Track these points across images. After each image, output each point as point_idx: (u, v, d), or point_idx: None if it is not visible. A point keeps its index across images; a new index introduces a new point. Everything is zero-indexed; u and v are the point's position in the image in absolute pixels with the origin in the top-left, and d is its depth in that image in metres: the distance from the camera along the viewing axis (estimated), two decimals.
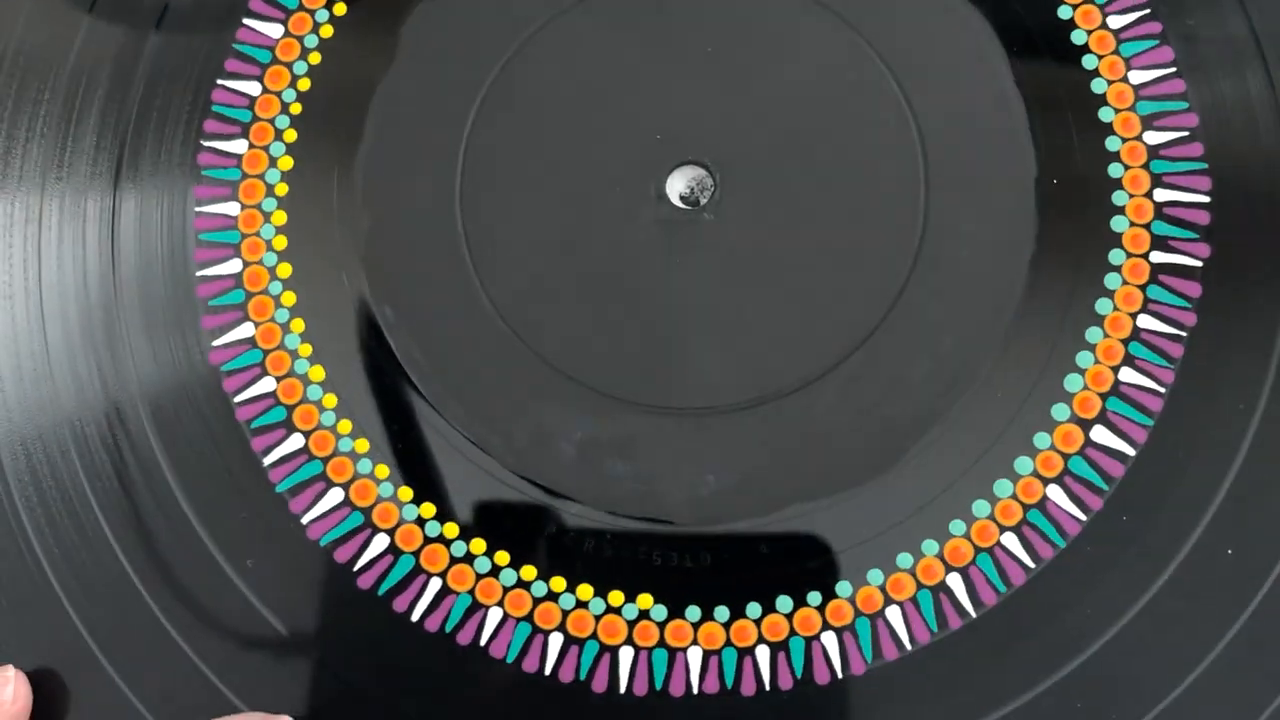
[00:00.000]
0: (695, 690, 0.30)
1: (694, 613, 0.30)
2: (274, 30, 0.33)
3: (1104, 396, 0.31)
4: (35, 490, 0.31)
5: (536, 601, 0.30)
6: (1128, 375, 0.31)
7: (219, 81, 0.33)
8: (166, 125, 0.33)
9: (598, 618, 0.30)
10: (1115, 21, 0.33)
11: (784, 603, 0.30)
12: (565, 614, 0.30)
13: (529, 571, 0.30)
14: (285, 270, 0.32)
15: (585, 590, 0.30)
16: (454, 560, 0.30)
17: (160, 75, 0.33)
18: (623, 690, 0.30)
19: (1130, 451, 0.31)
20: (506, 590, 0.30)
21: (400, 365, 0.31)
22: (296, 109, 0.33)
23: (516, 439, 0.31)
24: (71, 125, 0.32)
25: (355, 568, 0.30)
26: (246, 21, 0.33)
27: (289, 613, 0.30)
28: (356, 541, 0.30)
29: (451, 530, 0.30)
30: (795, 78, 0.32)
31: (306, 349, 0.31)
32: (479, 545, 0.30)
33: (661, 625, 0.30)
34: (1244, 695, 0.30)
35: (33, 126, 0.32)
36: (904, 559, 0.30)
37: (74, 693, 0.30)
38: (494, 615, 0.30)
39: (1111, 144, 0.32)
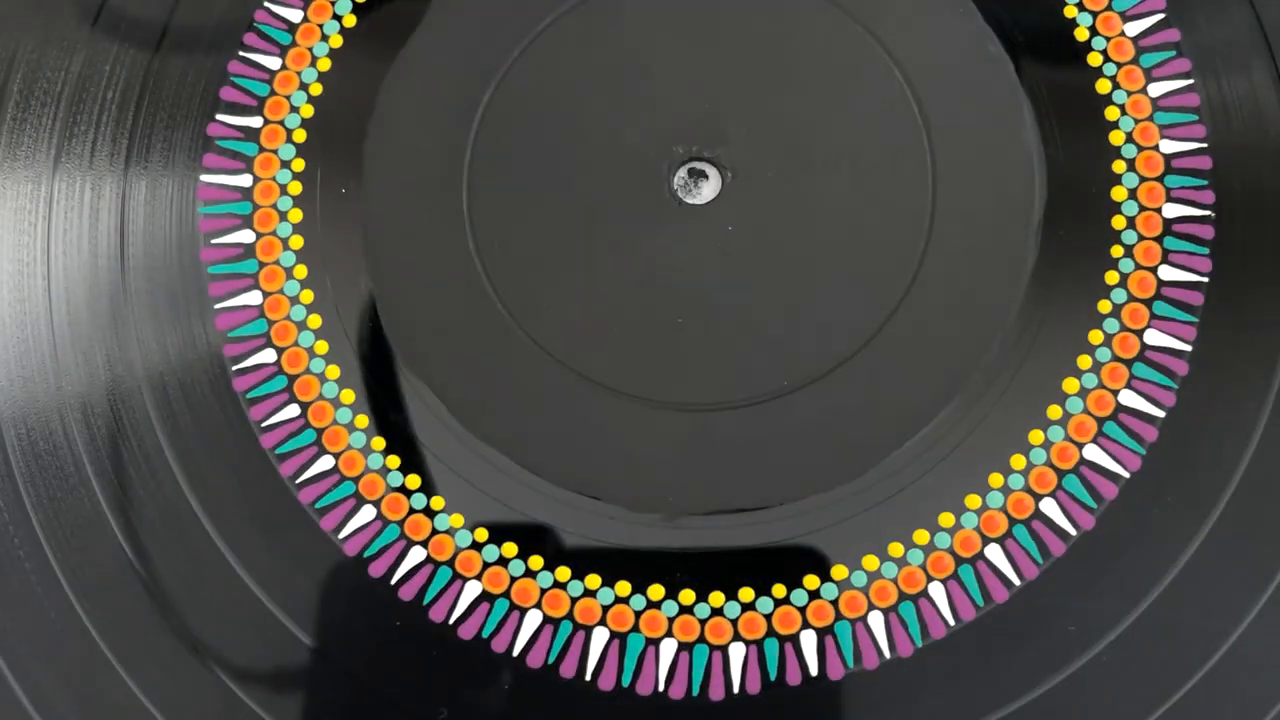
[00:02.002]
0: (662, 687, 0.30)
1: (670, 607, 0.30)
2: (293, 15, 0.34)
3: (1101, 420, 0.30)
4: (39, 471, 0.31)
5: (514, 580, 0.30)
6: (1127, 398, 0.31)
7: (240, 53, 0.34)
8: (180, 102, 0.33)
9: (574, 600, 0.30)
10: (1132, 29, 0.33)
11: (764, 603, 0.30)
12: (542, 593, 0.30)
13: (510, 549, 0.30)
14: (297, 242, 0.33)
15: (563, 572, 0.30)
16: (435, 531, 0.31)
17: (176, 54, 0.34)
18: (589, 675, 0.30)
19: (1124, 473, 0.30)
20: (486, 565, 0.30)
21: (399, 350, 0.32)
22: (316, 89, 0.34)
23: (510, 424, 0.31)
24: (84, 105, 0.33)
25: (341, 535, 0.31)
26: (267, 4, 0.34)
27: (275, 580, 0.31)
28: (343, 509, 0.31)
29: (439, 503, 0.31)
30: (804, 75, 0.32)
31: (316, 320, 0.32)
32: (458, 521, 0.31)
33: (638, 614, 0.30)
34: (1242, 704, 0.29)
35: (44, 112, 0.33)
36: (888, 568, 0.30)
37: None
38: (472, 589, 0.30)
39: (1127, 152, 0.32)
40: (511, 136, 0.33)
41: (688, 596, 0.30)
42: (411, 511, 0.31)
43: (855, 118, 0.32)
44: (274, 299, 0.32)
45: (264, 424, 0.31)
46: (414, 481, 0.31)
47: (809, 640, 0.30)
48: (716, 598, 0.30)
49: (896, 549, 0.30)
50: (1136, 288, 0.31)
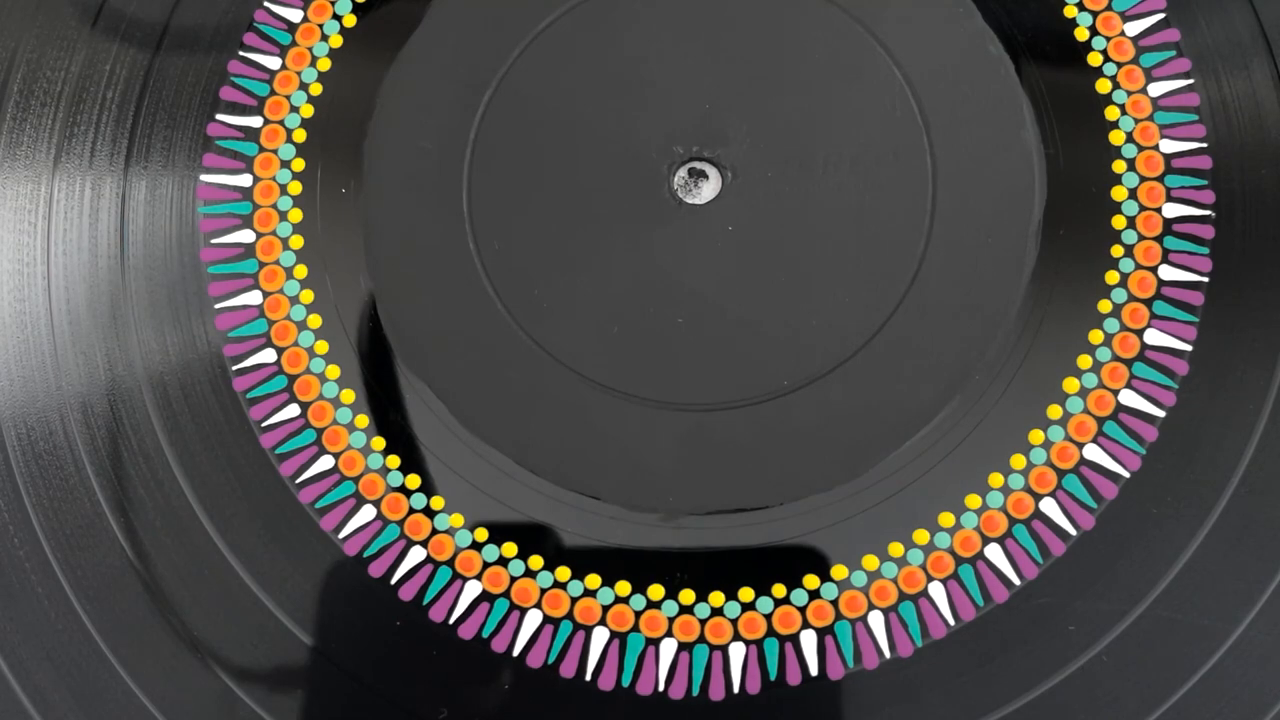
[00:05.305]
0: (662, 687, 0.30)
1: (670, 607, 0.30)
2: (294, 15, 0.34)
3: (1101, 420, 0.31)
4: (39, 471, 0.31)
5: (514, 579, 0.30)
6: (1127, 398, 0.31)
7: (240, 53, 0.34)
8: (180, 101, 0.33)
9: (574, 599, 0.30)
10: (1132, 29, 0.33)
11: (764, 603, 0.30)
12: (542, 593, 0.30)
13: (510, 549, 0.30)
14: (297, 242, 0.33)
15: (563, 572, 0.30)
16: (435, 531, 0.31)
17: (176, 54, 0.34)
18: (589, 675, 0.30)
19: (1125, 473, 0.30)
20: (486, 565, 0.30)
21: (399, 350, 0.32)
22: (316, 89, 0.34)
23: (510, 424, 0.31)
24: (84, 105, 0.34)
25: (341, 535, 0.31)
26: (267, 4, 0.34)
27: (275, 580, 0.31)
28: (344, 509, 0.31)
29: (439, 503, 0.31)
30: (804, 75, 0.33)
31: (316, 320, 0.32)
32: (459, 521, 0.31)
33: (638, 614, 0.30)
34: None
35: (44, 112, 0.33)
36: (888, 568, 0.30)
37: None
38: (472, 589, 0.30)
39: (1127, 152, 0.32)
40: (511, 136, 0.33)
41: (688, 596, 0.30)
42: (411, 511, 0.31)
43: (855, 118, 0.32)
44: (274, 299, 0.32)
45: (264, 424, 0.31)
46: (414, 481, 0.31)
47: (809, 640, 0.30)
48: (716, 598, 0.30)
49: (896, 549, 0.30)
50: (1136, 287, 0.31)
